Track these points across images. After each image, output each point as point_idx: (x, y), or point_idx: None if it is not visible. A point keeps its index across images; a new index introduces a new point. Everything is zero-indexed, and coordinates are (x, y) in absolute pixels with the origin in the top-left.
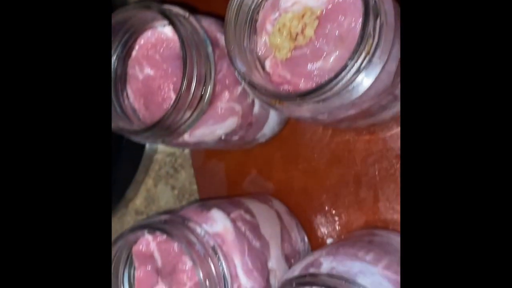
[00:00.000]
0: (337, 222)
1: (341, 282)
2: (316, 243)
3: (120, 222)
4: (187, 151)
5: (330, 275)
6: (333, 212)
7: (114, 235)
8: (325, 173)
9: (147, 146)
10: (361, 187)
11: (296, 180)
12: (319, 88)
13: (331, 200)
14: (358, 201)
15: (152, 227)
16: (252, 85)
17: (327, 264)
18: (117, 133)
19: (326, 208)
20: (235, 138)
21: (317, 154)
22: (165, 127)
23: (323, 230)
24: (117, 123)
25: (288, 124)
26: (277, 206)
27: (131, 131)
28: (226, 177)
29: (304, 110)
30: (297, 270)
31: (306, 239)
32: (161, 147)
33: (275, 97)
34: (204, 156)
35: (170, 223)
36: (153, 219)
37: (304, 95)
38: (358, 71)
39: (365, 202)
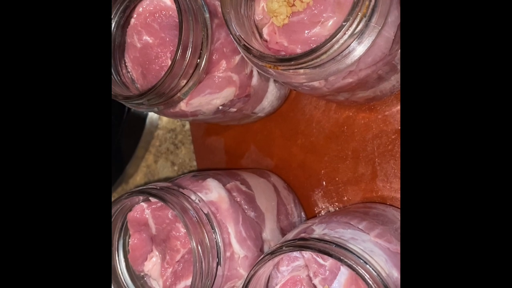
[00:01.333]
0: (335, 198)
1: (331, 246)
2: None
3: None
4: (187, 127)
5: (320, 239)
6: (331, 187)
7: None
8: (324, 149)
9: (148, 122)
10: (360, 163)
11: (294, 156)
12: (313, 51)
13: (329, 175)
14: (356, 177)
15: (147, 193)
16: (247, 48)
17: (319, 230)
18: (114, 99)
19: (324, 183)
20: (233, 109)
21: (316, 130)
22: (160, 94)
23: (320, 205)
24: (114, 89)
25: (288, 100)
26: (275, 180)
27: (126, 96)
28: (225, 153)
29: (300, 77)
30: (290, 236)
31: (303, 214)
32: (162, 123)
33: (270, 61)
34: (204, 132)
35: (165, 190)
36: (148, 186)
37: (299, 58)
38: (354, 34)
39: (363, 178)
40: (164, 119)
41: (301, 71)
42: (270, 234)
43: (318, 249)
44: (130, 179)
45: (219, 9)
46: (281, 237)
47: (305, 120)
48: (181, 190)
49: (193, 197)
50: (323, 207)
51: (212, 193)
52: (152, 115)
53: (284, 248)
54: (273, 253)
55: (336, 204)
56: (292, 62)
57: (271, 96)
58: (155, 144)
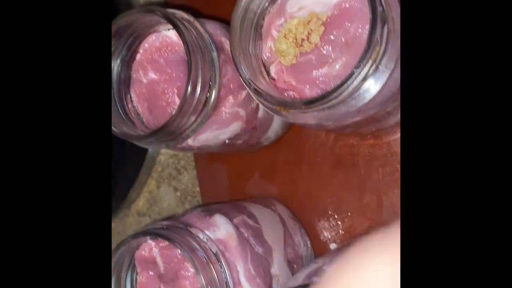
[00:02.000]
0: (341, 227)
1: None
2: (319, 248)
3: (122, 224)
4: (190, 153)
5: None
6: (336, 216)
7: (116, 237)
8: (329, 177)
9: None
10: (365, 192)
11: (299, 184)
12: (325, 96)
13: (334, 204)
14: (361, 205)
15: (154, 233)
16: (257, 92)
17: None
18: (121, 138)
19: (330, 212)
20: (239, 142)
21: (320, 158)
22: (169, 132)
23: (326, 234)
24: (121, 128)
25: (292, 127)
26: (281, 210)
27: (134, 136)
28: (229, 180)
29: (309, 117)
30: (300, 278)
31: (309, 243)
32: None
33: (280, 104)
34: (207, 159)
35: (172, 229)
36: (155, 225)
37: (310, 103)
38: (365, 79)
39: (369, 207)
40: None
41: (311, 112)
42: (278, 269)
43: None
44: (132, 204)
45: (226, 46)
46: (288, 271)
47: (309, 148)
48: (188, 228)
49: (201, 235)
50: (329, 236)
51: (220, 230)
52: None
53: None
54: None
55: (342, 233)
56: (303, 107)
57: (276, 125)
58: (157, 169)
